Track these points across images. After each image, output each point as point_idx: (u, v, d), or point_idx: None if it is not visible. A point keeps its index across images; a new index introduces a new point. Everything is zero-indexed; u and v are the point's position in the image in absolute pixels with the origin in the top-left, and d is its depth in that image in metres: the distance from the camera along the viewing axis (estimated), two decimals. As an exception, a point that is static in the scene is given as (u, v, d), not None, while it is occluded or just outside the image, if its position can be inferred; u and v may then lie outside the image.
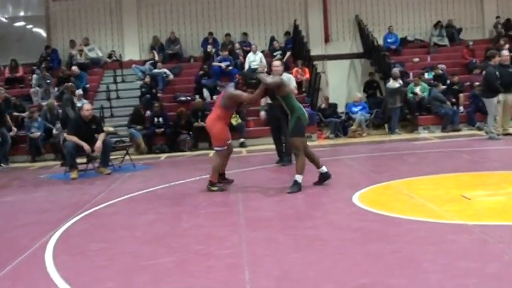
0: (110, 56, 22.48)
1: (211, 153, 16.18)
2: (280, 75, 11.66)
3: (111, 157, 13.08)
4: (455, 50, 22.86)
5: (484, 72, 14.76)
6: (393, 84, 18.26)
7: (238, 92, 9.30)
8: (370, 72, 22.17)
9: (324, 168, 9.01)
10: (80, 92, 18.36)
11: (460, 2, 24.19)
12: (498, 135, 14.53)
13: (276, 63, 11.80)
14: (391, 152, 13.79)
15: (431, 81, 19.92)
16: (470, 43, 21.99)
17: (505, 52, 15.67)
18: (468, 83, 19.90)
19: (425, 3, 23.99)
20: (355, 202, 7.68)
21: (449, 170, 10.09)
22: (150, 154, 16.73)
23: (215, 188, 9.31)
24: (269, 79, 8.90)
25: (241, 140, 17.41)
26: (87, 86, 20.30)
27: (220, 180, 9.54)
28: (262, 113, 12.61)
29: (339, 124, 18.87)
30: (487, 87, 14.57)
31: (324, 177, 9.01)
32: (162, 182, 10.82)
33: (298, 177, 8.68)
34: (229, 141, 9.64)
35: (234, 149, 16.29)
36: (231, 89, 9.47)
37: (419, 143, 15.72)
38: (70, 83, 17.85)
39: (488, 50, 19.78)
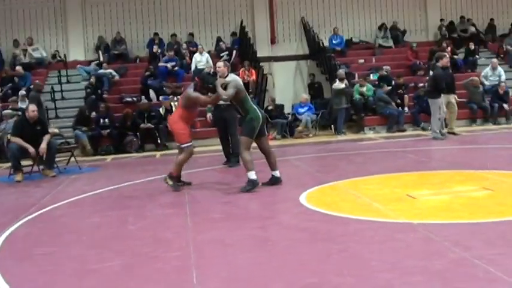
0: (54, 56, 22.18)
1: (158, 154, 16.13)
2: (225, 76, 11.69)
3: (56, 159, 12.87)
4: (399, 51, 23.21)
5: (431, 73, 15.00)
6: (339, 85, 18.44)
7: (196, 94, 9.32)
8: (311, 74, 22.39)
9: (277, 173, 9.04)
10: (22, 92, 18.07)
11: (405, 4, 24.57)
12: (442, 134, 14.77)
13: (219, 64, 11.82)
14: (338, 153, 13.91)
15: (376, 82, 20.16)
16: (414, 45, 22.35)
17: (446, 55, 16.01)
18: (412, 84, 20.22)
19: (370, 5, 24.29)
20: (302, 202, 7.71)
21: (395, 170, 10.22)
22: (96, 156, 16.55)
23: (171, 183, 9.33)
24: (225, 95, 8.83)
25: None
26: (31, 86, 19.94)
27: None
28: (209, 115, 12.61)
29: (285, 125, 18.95)
30: (434, 88, 14.80)
31: (274, 180, 9.02)
32: (108, 184, 10.70)
33: (250, 174, 8.67)
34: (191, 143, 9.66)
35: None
36: (189, 90, 9.50)
37: (365, 143, 15.90)
38: (37, 81, 17.48)
39: (433, 52, 20.18)
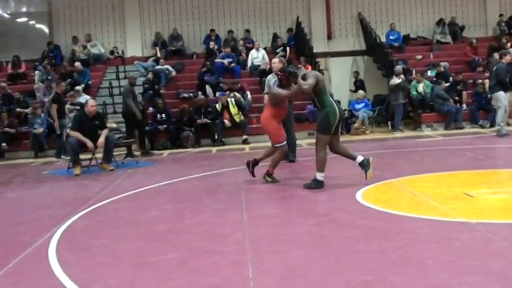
0: (112, 52, 22.54)
1: (214, 149, 16.23)
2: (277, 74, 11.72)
3: (114, 153, 13.07)
4: (458, 47, 22.84)
5: (494, 68, 14.80)
6: (395, 80, 18.25)
7: (276, 89, 9.26)
8: (355, 71, 22.26)
9: (360, 158, 8.69)
10: (77, 88, 18.41)
11: (463, -1, 24.19)
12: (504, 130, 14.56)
13: (274, 60, 11.85)
14: (394, 150, 13.78)
15: (434, 79, 19.90)
16: (474, 41, 21.97)
17: (510, 51, 15.72)
18: (471, 81, 19.88)
19: (428, 0, 23.98)
20: (358, 199, 7.67)
21: (453, 168, 10.07)
22: (153, 150, 16.72)
23: (269, 179, 9.43)
24: (305, 84, 8.52)
25: (244, 136, 17.43)
26: (90, 82, 20.31)
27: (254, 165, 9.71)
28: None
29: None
30: (496, 82, 14.60)
31: (362, 165, 8.65)
32: (165, 178, 10.82)
33: (318, 175, 8.57)
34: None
35: (237, 146, 16.45)
36: (272, 86, 9.48)
37: (422, 140, 15.70)
38: (132, 74, 17.86)
39: (493, 48, 19.84)
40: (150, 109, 18.19)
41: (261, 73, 19.93)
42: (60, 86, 17.44)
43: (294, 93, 9.17)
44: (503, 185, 8.31)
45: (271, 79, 12.04)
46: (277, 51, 21.35)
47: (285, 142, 9.47)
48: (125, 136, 15.35)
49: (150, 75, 19.58)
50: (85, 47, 21.92)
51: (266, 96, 12.31)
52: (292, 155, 11.98)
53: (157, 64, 20.71)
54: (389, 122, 19.07)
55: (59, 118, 16.32)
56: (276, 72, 9.43)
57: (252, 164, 9.76)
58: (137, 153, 15.32)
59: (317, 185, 8.56)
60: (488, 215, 6.48)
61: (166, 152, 16.36)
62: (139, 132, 16.25)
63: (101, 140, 12.20)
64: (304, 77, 8.62)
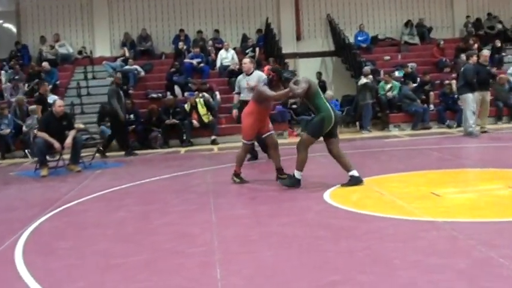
0: (80, 52, 22.35)
1: (182, 150, 16.18)
2: (251, 73, 11.76)
3: (81, 154, 12.97)
4: (425, 48, 23.07)
5: (462, 70, 14.96)
6: (362, 80, 18.35)
7: (265, 88, 9.12)
8: (318, 72, 22.37)
9: (355, 172, 8.55)
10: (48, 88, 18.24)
11: (431, 1, 24.43)
12: (476, 131, 14.73)
13: (245, 60, 11.94)
14: (362, 150, 13.86)
15: (402, 79, 20.06)
16: (441, 42, 22.18)
17: (485, 52, 15.95)
18: (438, 82, 20.07)
19: (396, 2, 24.21)
20: (326, 199, 7.71)
21: (420, 168, 10.17)
22: (121, 151, 16.61)
23: (237, 180, 9.38)
24: (298, 89, 8.44)
25: (213, 137, 17.40)
26: (58, 82, 20.12)
27: (279, 175, 9.36)
28: (235, 111, 12.61)
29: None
30: (463, 84, 14.74)
31: (354, 181, 8.51)
32: (133, 179, 10.76)
33: (296, 173, 8.58)
34: (271, 133, 9.60)
35: (206, 146, 16.42)
36: (260, 84, 9.41)
37: (390, 140, 15.82)
38: (117, 75, 17.73)
39: (460, 49, 20.08)
40: (119, 109, 18.11)
41: (230, 73, 19.94)
42: (44, 86, 17.25)
43: (282, 96, 9.08)
44: (470, 184, 8.41)
45: (242, 79, 12.08)
46: (247, 51, 21.35)
47: (251, 142, 9.47)
48: (92, 137, 15.26)
49: (118, 76, 19.45)
50: (53, 47, 21.72)
51: (236, 96, 12.38)
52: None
53: (126, 64, 20.60)
54: (357, 122, 19.18)
55: None
56: (268, 72, 9.32)
57: (280, 175, 9.39)
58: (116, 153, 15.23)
59: (293, 182, 8.56)
60: (455, 214, 6.56)
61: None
62: (122, 133, 16.03)
63: (68, 140, 12.10)
64: (295, 82, 8.57)
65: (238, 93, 12.26)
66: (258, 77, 11.74)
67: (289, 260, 5.17)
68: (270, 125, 9.75)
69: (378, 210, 6.84)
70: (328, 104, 8.57)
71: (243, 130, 9.49)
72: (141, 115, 17.87)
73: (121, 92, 16.13)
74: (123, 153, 15.95)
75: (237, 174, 9.46)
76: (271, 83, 9.11)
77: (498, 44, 22.10)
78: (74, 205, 8.57)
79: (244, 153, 9.53)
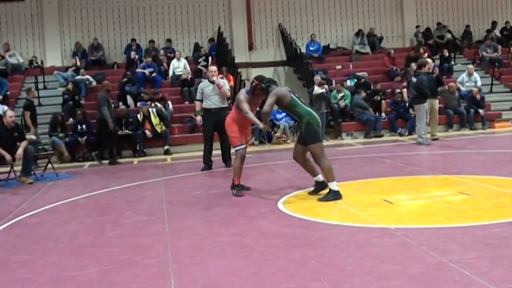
0: (31, 62, 22.01)
1: (135, 161, 16.07)
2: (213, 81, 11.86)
3: (33, 166, 12.79)
4: (376, 58, 23.34)
5: (415, 80, 15.10)
6: (318, 90, 18.45)
7: (242, 99, 8.91)
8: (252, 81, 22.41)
9: (320, 177, 8.52)
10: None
11: (381, 11, 24.73)
12: (427, 140, 14.93)
13: (213, 68, 12.06)
14: (315, 158, 13.92)
15: (354, 88, 20.25)
16: (392, 51, 22.44)
17: (429, 60, 16.20)
18: (389, 90, 20.32)
19: (347, 12, 24.42)
20: (280, 208, 7.74)
21: (372, 175, 10.29)
22: (73, 162, 16.44)
23: (234, 191, 9.04)
24: (265, 108, 8.38)
25: (166, 147, 17.29)
26: (8, 92, 19.80)
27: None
28: (199, 118, 12.61)
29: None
30: (419, 94, 14.90)
31: (319, 187, 8.52)
32: (86, 191, 10.65)
33: (332, 185, 8.14)
34: (245, 146, 9.32)
35: (159, 157, 16.33)
36: (241, 91, 9.22)
37: (342, 149, 15.96)
38: (107, 81, 17.64)
39: (410, 58, 20.36)
40: (70, 120, 17.89)
41: (183, 83, 19.91)
42: (31, 93, 16.97)
43: (252, 120, 8.89)
44: (421, 191, 8.52)
45: (205, 86, 12.12)
46: (199, 60, 21.37)
47: (243, 146, 9.15)
48: (43, 148, 15.06)
49: (70, 86, 19.25)
50: (3, 57, 21.39)
51: (198, 103, 12.38)
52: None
53: (78, 74, 20.38)
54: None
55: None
56: (253, 79, 9.23)
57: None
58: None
59: (334, 196, 8.08)
60: (407, 221, 6.65)
61: (87, 164, 16.09)
62: (110, 141, 15.94)
63: (20, 152, 11.90)
64: (268, 91, 8.52)
65: (200, 101, 12.26)
66: (223, 84, 11.96)
67: (243, 269, 5.17)
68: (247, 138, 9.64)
69: (331, 218, 6.90)
70: (308, 108, 8.49)
71: (230, 138, 9.34)
72: (93, 126, 17.68)
73: (110, 100, 16.15)
74: (75, 164, 15.78)
75: (235, 185, 9.08)
76: (254, 91, 8.91)
77: (446, 53, 22.43)
78: (26, 218, 8.44)
79: (240, 161, 9.11)
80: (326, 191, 8.30)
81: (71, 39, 22.65)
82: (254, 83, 8.85)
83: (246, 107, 8.81)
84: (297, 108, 8.37)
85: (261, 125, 8.67)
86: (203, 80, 13.16)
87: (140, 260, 5.68)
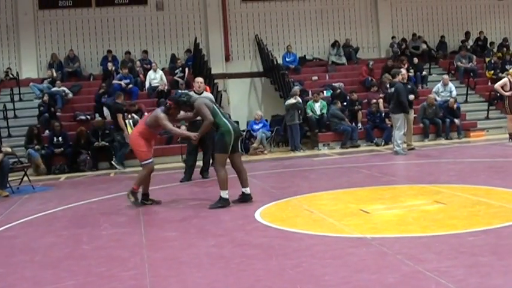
0: (6, 74, 21.87)
1: (112, 173, 16.01)
2: (201, 92, 11.85)
3: (9, 179, 12.68)
4: (352, 68, 23.50)
5: (392, 90, 15.20)
6: (290, 100, 18.50)
7: (162, 116, 9.21)
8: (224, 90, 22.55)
9: (247, 190, 8.98)
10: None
11: (357, 22, 24.91)
12: (403, 149, 15.04)
13: (200, 79, 12.39)
14: (292, 169, 13.99)
15: (330, 99, 20.34)
16: (371, 62, 22.52)
17: (403, 71, 16.33)
18: (365, 101, 20.43)
19: (323, 23, 24.56)
20: (257, 218, 7.76)
21: (349, 185, 10.33)
22: (50, 175, 16.34)
23: (132, 199, 9.42)
24: (209, 118, 8.78)
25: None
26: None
27: (144, 200, 9.62)
28: (183, 127, 12.67)
29: (240, 142, 18.93)
30: (397, 104, 14.99)
31: (244, 198, 8.97)
32: (62, 203, 10.59)
33: (222, 193, 8.73)
34: (152, 160, 9.63)
35: (136, 168, 16.25)
36: (158, 109, 9.45)
37: (319, 159, 16.01)
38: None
39: (387, 68, 20.50)
40: (46, 132, 17.80)
41: (159, 94, 19.88)
42: None
43: (177, 133, 9.99)
44: (397, 201, 8.58)
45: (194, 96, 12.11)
46: (176, 72, 21.36)
47: (151, 160, 9.50)
48: (20, 161, 14.94)
49: (45, 97, 19.14)
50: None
51: (182, 113, 12.36)
52: (206, 173, 12.55)
53: (53, 86, 20.29)
54: (289, 142, 19.34)
55: None
56: (166, 101, 9.54)
57: (145, 198, 9.68)
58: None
59: (223, 203, 8.68)
60: (383, 230, 6.69)
61: (63, 176, 16.01)
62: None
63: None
64: (187, 101, 9.03)
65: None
66: (210, 98, 11.92)
67: (220, 280, 5.17)
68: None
69: (308, 228, 6.92)
70: (226, 120, 8.89)
71: (137, 153, 9.63)
72: (69, 137, 17.60)
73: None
74: (51, 176, 15.68)
75: (133, 192, 9.51)
76: (168, 111, 9.30)
77: (415, 61, 22.60)
78: (1, 231, 8.37)
79: (146, 173, 9.53)
80: (249, 202, 8.85)
81: (46, 50, 22.56)
82: (168, 104, 9.34)
83: (169, 124, 9.27)
84: (216, 118, 8.84)
85: (192, 135, 9.32)
86: (180, 91, 13.12)
87: (117, 272, 5.66)
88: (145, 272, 5.54)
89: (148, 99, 20.42)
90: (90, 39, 22.95)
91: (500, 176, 10.63)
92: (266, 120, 20.23)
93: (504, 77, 17.62)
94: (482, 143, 17.41)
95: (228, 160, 8.92)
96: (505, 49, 24.69)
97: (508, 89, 16.71)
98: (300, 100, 18.75)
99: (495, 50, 24.76)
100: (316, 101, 19.46)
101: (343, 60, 23.84)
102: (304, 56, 24.09)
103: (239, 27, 23.87)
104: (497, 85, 17.29)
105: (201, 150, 12.69)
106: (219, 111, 8.99)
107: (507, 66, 22.56)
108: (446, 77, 21.35)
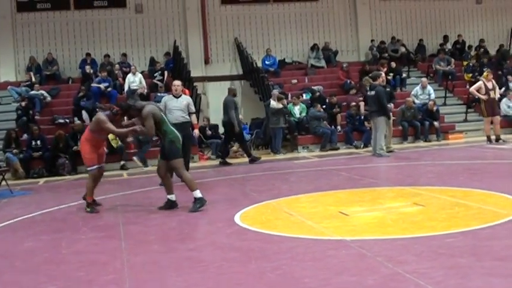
0: (-17, 78, 21.72)
1: (124, 174, 15.92)
2: (179, 96, 11.82)
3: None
4: (331, 71, 23.53)
5: (373, 93, 15.25)
6: (277, 105, 18.48)
7: (104, 119, 9.35)
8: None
9: (173, 197, 9.10)
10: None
11: (336, 25, 24.97)
12: (386, 152, 15.10)
13: (178, 83, 12.40)
14: (272, 172, 14.00)
15: (309, 102, 20.38)
16: (345, 65, 22.62)
17: (383, 74, 16.40)
18: (345, 103, 20.49)
19: (302, 26, 24.60)
20: (236, 221, 7.75)
21: (328, 188, 10.36)
22: (28, 179, 16.23)
23: (88, 209, 9.46)
24: (149, 130, 8.94)
25: (122, 162, 17.19)
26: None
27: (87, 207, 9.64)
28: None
29: (220, 145, 18.92)
30: (379, 107, 15.04)
31: (170, 204, 9.07)
32: (41, 207, 10.52)
33: (195, 193, 8.76)
34: (101, 165, 9.76)
35: (115, 172, 16.20)
36: (101, 114, 9.55)
37: (299, 162, 16.04)
38: (233, 87, 18.66)
39: (365, 71, 20.55)
40: (25, 136, 17.68)
41: (138, 97, 19.78)
42: None
43: (122, 133, 10.23)
44: (376, 203, 8.61)
45: (169, 100, 12.05)
46: (155, 75, 21.31)
47: (95, 167, 9.56)
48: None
49: (24, 101, 19.02)
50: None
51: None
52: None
53: (32, 89, 20.16)
54: (269, 145, 19.34)
55: None
56: (113, 106, 9.65)
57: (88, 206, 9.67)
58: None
59: (200, 203, 8.71)
60: (363, 232, 6.72)
61: (42, 180, 15.91)
62: (239, 142, 17.54)
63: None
64: (134, 107, 9.22)
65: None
66: (188, 100, 11.92)
67: (200, 284, 5.17)
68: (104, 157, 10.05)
69: (287, 231, 6.93)
70: (171, 127, 9.12)
71: (84, 159, 9.74)
72: (48, 141, 17.49)
73: (236, 104, 17.13)
74: (30, 180, 15.58)
75: (88, 204, 9.55)
76: (115, 116, 9.51)
77: (393, 65, 22.68)
78: (-22, 236, 8.31)
79: (92, 181, 9.61)
80: (174, 209, 8.96)
81: (25, 53, 22.40)
82: (115, 110, 9.57)
83: (111, 126, 9.37)
84: (163, 126, 9.01)
85: (129, 134, 9.74)
86: (159, 94, 13.09)
87: (97, 276, 5.64)
88: (124, 276, 5.52)
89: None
90: (68, 42, 22.83)
91: (478, 177, 10.72)
92: (246, 124, 20.22)
93: (480, 81, 17.72)
94: (460, 145, 17.52)
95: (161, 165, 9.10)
96: (481, 50, 24.84)
97: (484, 92, 16.86)
98: (286, 104, 18.80)
99: (473, 53, 24.92)
100: (296, 104, 19.50)
101: (323, 63, 23.89)
102: (284, 59, 24.11)
103: (218, 30, 23.85)
104: (473, 89, 17.47)
105: None
106: (166, 119, 9.20)
107: (484, 69, 22.72)
108: (424, 79, 21.47)
